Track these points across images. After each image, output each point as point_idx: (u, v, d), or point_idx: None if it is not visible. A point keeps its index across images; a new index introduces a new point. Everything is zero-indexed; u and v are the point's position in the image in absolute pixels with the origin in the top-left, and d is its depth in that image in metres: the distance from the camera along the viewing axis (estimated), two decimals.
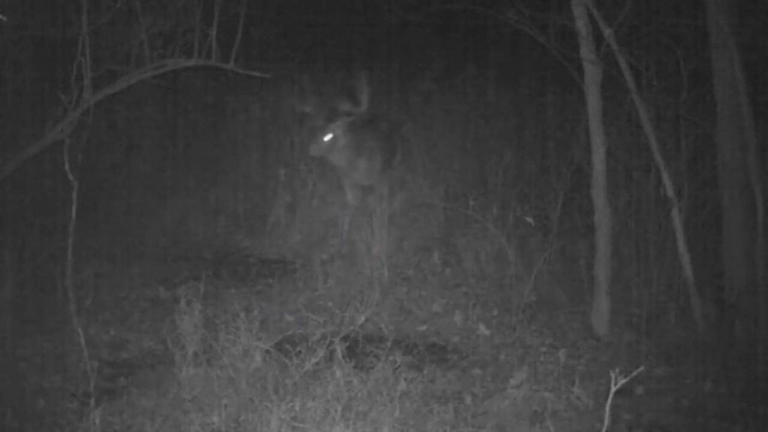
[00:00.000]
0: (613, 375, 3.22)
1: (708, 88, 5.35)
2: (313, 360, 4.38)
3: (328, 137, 6.57)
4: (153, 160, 7.84)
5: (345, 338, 4.60)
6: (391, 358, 4.54)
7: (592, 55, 5.22)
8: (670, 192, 5.32)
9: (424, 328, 5.69)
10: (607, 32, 5.17)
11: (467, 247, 6.47)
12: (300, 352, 4.42)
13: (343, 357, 4.46)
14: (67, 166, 5.20)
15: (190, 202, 7.69)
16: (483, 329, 5.57)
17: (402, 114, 7.77)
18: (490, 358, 5.18)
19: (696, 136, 5.68)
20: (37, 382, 4.72)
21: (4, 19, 3.54)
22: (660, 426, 4.42)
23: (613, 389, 3.23)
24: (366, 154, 6.84)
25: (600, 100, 5.31)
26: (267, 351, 4.54)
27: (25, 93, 6.09)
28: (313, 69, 6.92)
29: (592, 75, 5.28)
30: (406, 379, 4.51)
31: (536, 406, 4.49)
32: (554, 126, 7.21)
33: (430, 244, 6.89)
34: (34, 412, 4.37)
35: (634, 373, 3.41)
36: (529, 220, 6.14)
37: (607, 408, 3.30)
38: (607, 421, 3.35)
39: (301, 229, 7.30)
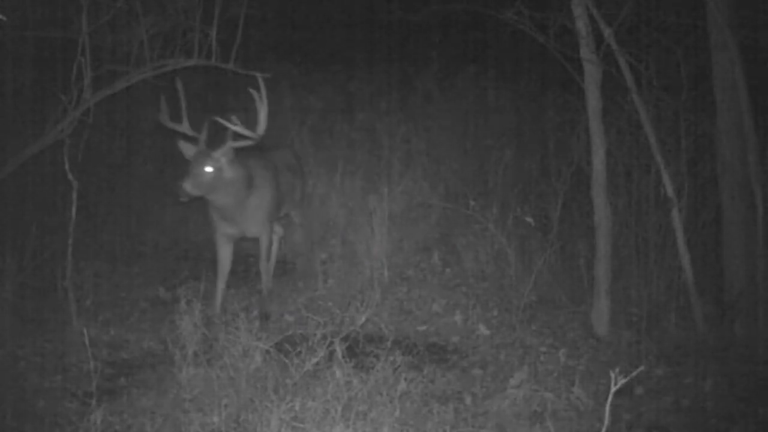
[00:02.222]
0: (613, 375, 3.22)
1: (708, 88, 5.36)
2: (313, 360, 4.38)
3: (209, 169, 5.24)
4: (153, 160, 7.85)
5: (345, 338, 4.60)
6: (391, 358, 4.53)
7: (592, 55, 5.22)
8: (670, 192, 5.32)
9: (424, 328, 5.69)
10: (607, 32, 5.17)
11: (467, 247, 6.47)
12: (300, 352, 4.42)
13: (343, 357, 4.46)
14: (67, 166, 5.22)
15: (190, 202, 7.68)
16: (483, 329, 5.57)
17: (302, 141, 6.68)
18: (490, 358, 5.18)
19: (696, 136, 5.69)
20: (37, 382, 4.72)
21: (4, 19, 3.54)
22: (660, 426, 4.42)
23: (613, 389, 3.23)
24: (257, 193, 5.52)
25: (600, 100, 5.31)
26: (267, 351, 4.54)
27: (25, 93, 6.10)
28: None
29: (592, 75, 5.29)
30: (406, 379, 4.50)
31: (536, 406, 4.49)
32: (554, 126, 7.21)
33: (430, 244, 6.89)
34: (34, 412, 4.37)
35: (634, 373, 3.41)
36: (529, 220, 6.13)
37: (607, 408, 3.30)
38: (607, 421, 3.35)
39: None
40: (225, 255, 5.69)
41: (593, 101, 5.31)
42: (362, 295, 5.69)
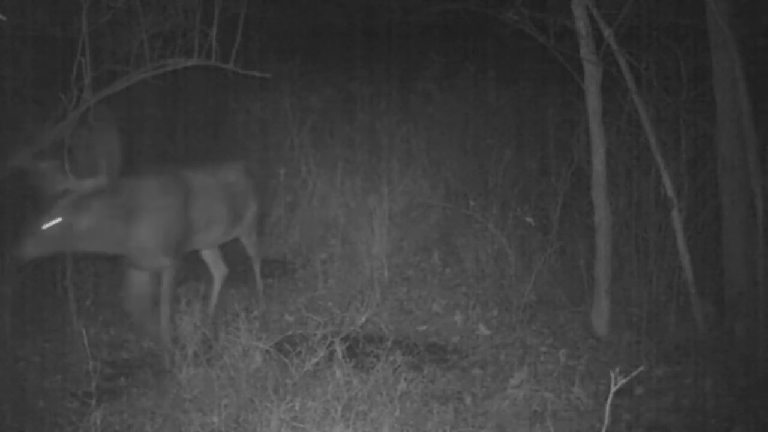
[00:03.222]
0: (613, 375, 3.23)
1: (708, 88, 5.36)
2: (313, 360, 4.39)
3: (52, 223, 4.48)
4: (153, 160, 7.83)
5: (345, 338, 4.60)
6: (391, 358, 4.54)
7: (592, 55, 5.23)
8: (670, 192, 5.33)
9: (424, 328, 5.69)
10: (607, 32, 5.17)
11: (467, 247, 6.48)
12: (300, 352, 4.42)
13: (343, 357, 4.46)
14: (67, 166, 5.21)
15: None
16: (483, 329, 5.57)
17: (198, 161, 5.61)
18: (490, 358, 5.18)
19: (696, 136, 5.69)
20: (37, 382, 4.72)
21: (4, 19, 3.55)
22: (660, 426, 4.42)
23: (613, 389, 3.23)
24: (140, 226, 4.77)
25: (600, 100, 5.31)
26: (267, 351, 4.54)
27: (25, 93, 6.09)
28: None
29: (592, 75, 5.29)
30: (406, 379, 4.51)
31: (536, 406, 4.49)
32: (554, 126, 7.21)
33: (430, 244, 6.89)
34: (34, 412, 4.37)
35: (634, 373, 3.41)
36: (529, 220, 6.14)
37: (607, 408, 3.30)
38: (607, 421, 3.36)
39: (301, 229, 7.30)
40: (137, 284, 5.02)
41: (593, 101, 5.31)
42: (362, 295, 5.70)
